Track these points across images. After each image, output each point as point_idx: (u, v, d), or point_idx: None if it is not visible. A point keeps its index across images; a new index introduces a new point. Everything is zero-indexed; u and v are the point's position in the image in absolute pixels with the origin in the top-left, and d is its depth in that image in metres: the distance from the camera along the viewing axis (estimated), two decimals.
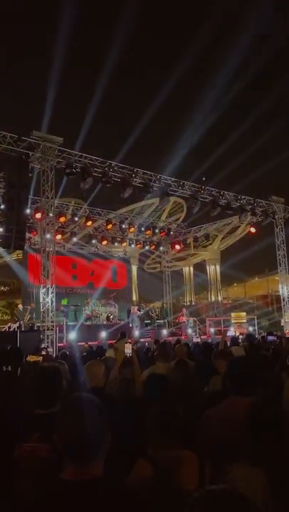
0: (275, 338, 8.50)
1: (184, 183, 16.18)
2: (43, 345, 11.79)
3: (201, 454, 2.41)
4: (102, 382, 3.35)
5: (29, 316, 15.66)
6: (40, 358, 4.99)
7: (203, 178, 17.72)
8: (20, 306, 16.62)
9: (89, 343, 11.67)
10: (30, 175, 12.68)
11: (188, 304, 27.37)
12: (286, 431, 1.87)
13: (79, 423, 1.39)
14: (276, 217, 18.78)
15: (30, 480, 1.90)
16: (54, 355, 10.05)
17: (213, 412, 2.72)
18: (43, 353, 8.20)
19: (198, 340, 11.57)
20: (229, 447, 2.27)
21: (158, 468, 2.04)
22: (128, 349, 4.04)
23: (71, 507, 1.29)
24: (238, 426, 2.02)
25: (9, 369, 2.70)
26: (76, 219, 18.47)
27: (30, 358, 4.38)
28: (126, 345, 4.07)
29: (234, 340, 7.74)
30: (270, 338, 8.46)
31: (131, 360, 3.78)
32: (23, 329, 14.38)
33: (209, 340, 11.45)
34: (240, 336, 10.30)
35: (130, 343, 4.24)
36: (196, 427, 2.69)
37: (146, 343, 13.07)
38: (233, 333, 11.27)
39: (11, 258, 21.68)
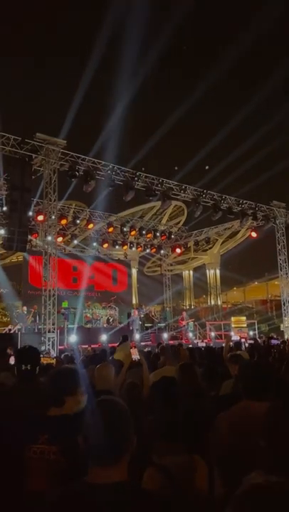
0: (278, 342, 8.49)
1: (186, 187, 16.23)
2: (43, 348, 11.78)
3: (210, 459, 2.39)
4: (111, 386, 3.35)
5: (32, 319, 15.64)
6: (54, 361, 4.98)
7: (207, 167, 17.77)
8: (24, 309, 16.60)
9: (92, 345, 11.64)
10: (33, 177, 12.69)
11: (187, 307, 27.37)
12: None
13: (105, 426, 1.38)
14: (277, 222, 18.83)
15: (38, 482, 1.91)
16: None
17: (224, 416, 2.69)
18: (56, 357, 8.16)
19: (203, 344, 11.55)
20: (241, 454, 2.24)
21: (170, 474, 2.02)
22: (135, 354, 4.05)
23: (95, 510, 1.28)
24: (253, 432, 1.98)
25: (28, 368, 2.70)
26: (77, 221, 18.48)
27: (44, 360, 4.35)
28: (132, 350, 4.09)
29: (238, 344, 7.73)
30: (274, 341, 8.44)
31: (140, 363, 3.78)
32: (23, 331, 14.36)
33: (211, 345, 11.43)
34: (243, 340, 10.31)
35: (134, 347, 4.26)
36: (206, 432, 2.67)
37: (148, 347, 13.07)
38: (238, 338, 11.25)
39: (11, 260, 21.69)
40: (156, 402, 2.91)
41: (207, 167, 17.77)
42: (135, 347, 4.07)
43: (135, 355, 3.89)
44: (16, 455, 1.98)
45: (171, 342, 14.67)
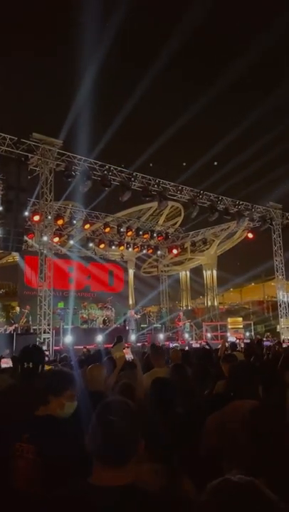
0: (271, 344, 8.48)
1: (182, 187, 16.23)
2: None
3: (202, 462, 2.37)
4: (103, 387, 3.32)
5: (25, 320, 15.58)
6: (51, 367, 4.94)
7: (215, 163, 17.85)
8: (17, 309, 16.54)
9: (87, 347, 11.60)
10: (29, 177, 12.65)
11: (184, 308, 27.35)
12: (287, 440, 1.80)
13: (115, 427, 1.35)
14: (274, 223, 18.85)
15: (21, 479, 1.91)
16: (51, 358, 9.99)
17: (214, 416, 2.68)
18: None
19: (198, 345, 11.55)
20: (227, 454, 2.22)
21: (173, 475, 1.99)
22: (128, 354, 4.02)
23: None
24: (238, 433, 1.96)
25: (30, 366, 2.69)
26: (74, 222, 18.43)
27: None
28: (125, 350, 4.06)
29: (233, 345, 7.72)
30: (266, 343, 8.44)
31: (133, 364, 3.74)
32: (19, 332, 14.30)
33: (205, 345, 11.42)
34: (237, 341, 10.31)
35: (127, 347, 4.23)
36: (199, 433, 2.65)
37: (145, 348, 13.02)
38: (234, 339, 11.26)
39: (7, 260, 21.62)
40: (152, 404, 2.88)
41: (216, 163, 17.89)
42: (128, 347, 4.04)
43: (129, 355, 3.86)
44: (3, 453, 1.99)
45: (167, 342, 14.67)
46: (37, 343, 12.23)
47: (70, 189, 14.92)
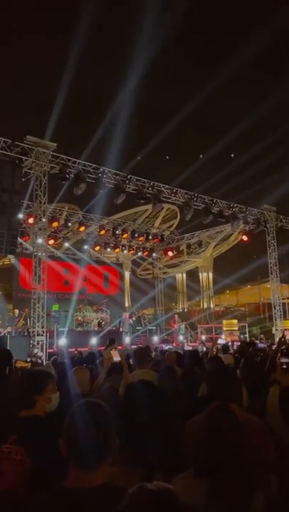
0: (265, 346, 8.52)
1: (176, 190, 16.29)
2: (36, 351, 11.72)
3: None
4: (87, 389, 3.34)
5: (23, 322, 15.57)
6: (28, 365, 4.97)
7: (232, 155, 18.01)
8: (16, 312, 16.51)
9: (78, 349, 11.61)
10: (23, 180, 12.67)
11: (180, 310, 27.38)
12: (241, 442, 1.74)
13: (90, 428, 1.36)
14: (268, 225, 18.94)
15: (8, 481, 1.91)
16: (44, 361, 9.99)
17: (194, 420, 2.70)
18: (31, 359, 8.15)
19: (190, 347, 11.58)
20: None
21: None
22: (116, 356, 4.02)
23: None
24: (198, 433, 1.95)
25: None
26: (69, 224, 18.45)
27: (18, 364, 4.37)
28: (112, 352, 4.05)
29: (225, 347, 7.75)
30: (260, 345, 8.48)
31: (120, 366, 3.76)
32: (13, 334, 14.29)
33: (199, 348, 11.46)
34: (230, 343, 10.34)
35: (116, 349, 4.22)
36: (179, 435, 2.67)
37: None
38: (224, 341, 11.31)
39: (3, 263, 21.60)
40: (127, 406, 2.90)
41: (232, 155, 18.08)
42: (116, 349, 4.05)
43: (116, 357, 3.87)
44: None
45: (162, 345, 14.68)
46: (30, 346, 12.25)
47: (65, 192, 14.94)
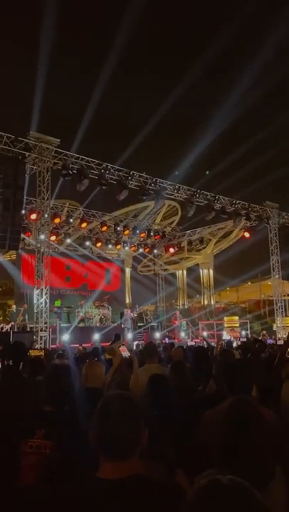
0: (273, 342, 8.52)
1: (179, 186, 16.27)
2: (37, 347, 11.74)
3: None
4: (101, 383, 3.36)
5: (22, 318, 15.59)
6: (42, 353, 4.99)
7: (207, 172, 17.94)
8: (14, 307, 16.54)
9: (83, 345, 11.63)
10: (26, 176, 12.65)
11: (180, 307, 27.42)
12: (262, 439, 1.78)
13: (118, 420, 1.38)
14: (270, 222, 18.93)
15: (33, 476, 1.92)
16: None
17: (209, 414, 2.71)
18: (44, 347, 8.15)
19: (193, 343, 11.61)
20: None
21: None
22: (125, 351, 4.05)
23: (112, 505, 1.27)
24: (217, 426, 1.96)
25: (10, 363, 2.71)
26: (71, 220, 18.43)
27: (32, 353, 4.38)
28: (121, 347, 4.08)
29: (229, 344, 7.77)
30: (269, 341, 8.47)
31: (130, 361, 3.78)
32: (15, 330, 14.31)
33: (202, 344, 11.49)
34: (233, 339, 10.37)
35: (124, 345, 4.26)
36: (196, 431, 2.68)
37: (139, 346, 13.07)
38: (229, 337, 11.32)
39: (4, 259, 21.57)
40: (148, 400, 2.92)
41: (207, 172, 18.08)
42: (124, 345, 4.07)
43: (125, 353, 3.90)
44: (11, 450, 1.99)
45: (164, 341, 14.71)
46: (33, 342, 12.27)
47: (65, 188, 14.93)
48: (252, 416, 1.83)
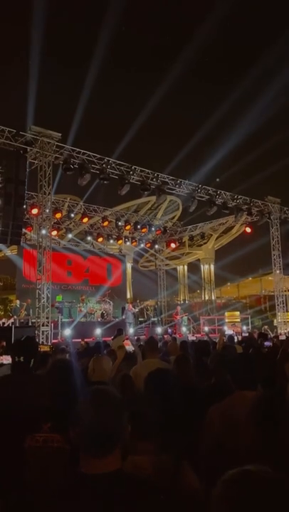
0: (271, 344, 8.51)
1: (181, 181, 16.22)
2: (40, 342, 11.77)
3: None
4: (107, 377, 3.36)
5: (25, 313, 15.62)
6: (48, 348, 4.99)
7: (217, 180, 17.99)
8: (17, 302, 16.57)
9: (85, 339, 11.65)
10: (27, 170, 12.61)
11: (181, 302, 27.46)
12: None
13: (98, 416, 1.37)
14: (272, 217, 18.89)
15: (40, 470, 1.92)
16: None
17: (217, 407, 2.71)
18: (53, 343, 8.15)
19: (194, 338, 11.62)
20: (231, 445, 2.25)
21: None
22: (129, 345, 4.06)
23: (93, 500, 1.27)
24: (242, 420, 1.98)
25: (21, 359, 2.69)
26: (72, 215, 18.41)
27: (41, 348, 4.37)
28: (125, 342, 4.09)
29: (231, 339, 7.78)
30: (267, 343, 8.47)
31: (133, 355, 3.79)
32: (17, 325, 14.34)
33: (204, 338, 11.51)
34: (234, 334, 10.37)
35: (127, 339, 4.27)
36: (200, 426, 2.68)
37: (140, 341, 13.09)
38: (231, 332, 11.33)
39: (5, 254, 21.58)
40: (152, 395, 2.92)
41: (218, 179, 18.10)
42: (128, 339, 4.09)
43: (129, 347, 3.90)
44: (17, 445, 1.98)
45: (166, 336, 14.74)
46: (35, 336, 12.28)
47: (66, 182, 14.89)
48: (283, 413, 1.86)
